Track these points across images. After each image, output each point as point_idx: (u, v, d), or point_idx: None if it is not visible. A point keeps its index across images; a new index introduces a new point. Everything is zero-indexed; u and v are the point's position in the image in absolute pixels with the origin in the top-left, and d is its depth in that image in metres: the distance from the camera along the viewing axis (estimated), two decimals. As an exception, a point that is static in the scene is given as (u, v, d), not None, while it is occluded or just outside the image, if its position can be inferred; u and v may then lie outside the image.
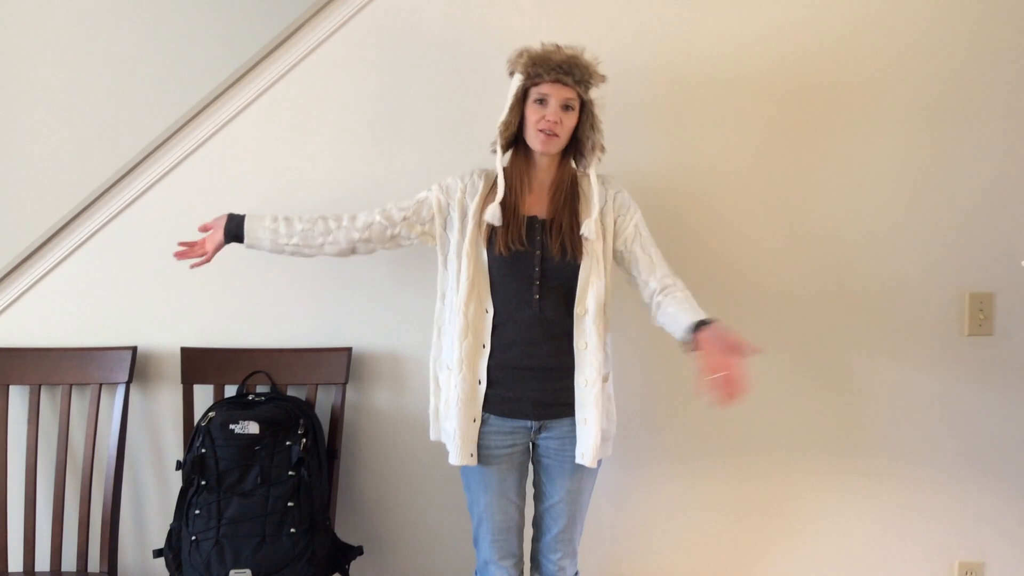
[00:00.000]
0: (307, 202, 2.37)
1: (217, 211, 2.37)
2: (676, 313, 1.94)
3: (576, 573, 2.13)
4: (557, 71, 1.89)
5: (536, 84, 1.92)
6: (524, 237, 1.95)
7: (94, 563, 2.33)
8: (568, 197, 1.99)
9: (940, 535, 2.47)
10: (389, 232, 2.05)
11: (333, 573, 2.25)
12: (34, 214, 2.54)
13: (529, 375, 1.97)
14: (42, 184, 2.95)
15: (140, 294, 2.39)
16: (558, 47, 1.92)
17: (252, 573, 2.07)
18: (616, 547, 2.48)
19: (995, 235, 2.39)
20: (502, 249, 1.94)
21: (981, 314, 2.40)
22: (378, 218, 2.04)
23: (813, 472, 2.46)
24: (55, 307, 2.39)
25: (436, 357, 2.07)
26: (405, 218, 2.03)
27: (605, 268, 1.99)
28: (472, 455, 1.97)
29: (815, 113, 2.37)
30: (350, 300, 2.40)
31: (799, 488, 2.46)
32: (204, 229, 2.13)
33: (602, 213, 2.00)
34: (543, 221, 1.97)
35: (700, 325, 1.85)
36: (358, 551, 2.28)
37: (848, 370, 2.43)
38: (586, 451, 1.97)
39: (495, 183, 1.99)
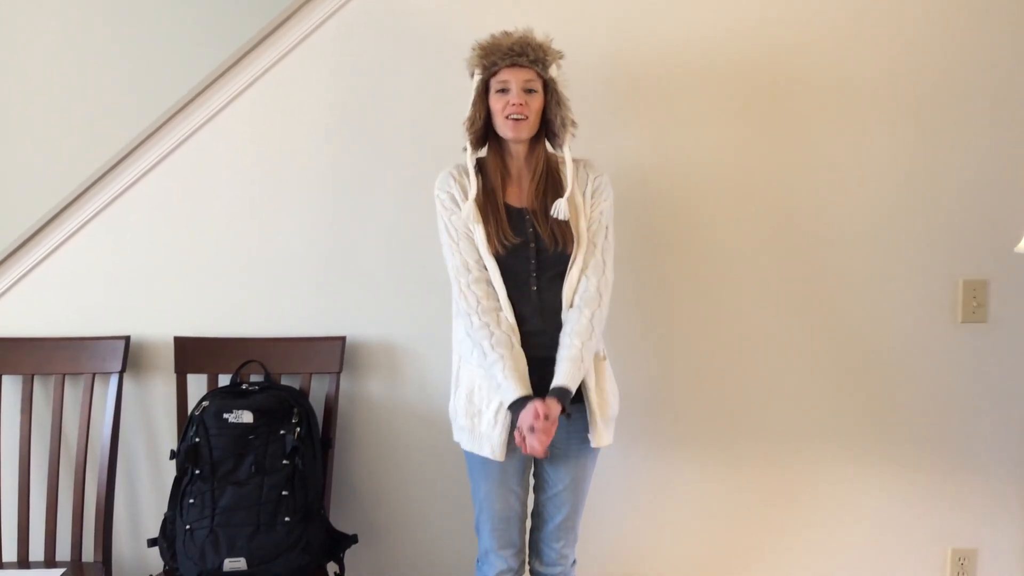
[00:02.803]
0: (296, 192, 2.37)
1: (209, 200, 2.38)
2: (564, 354, 1.90)
3: (574, 561, 2.13)
4: (511, 54, 1.90)
5: (494, 74, 1.92)
6: (510, 231, 1.93)
7: (88, 553, 2.33)
8: (548, 184, 1.97)
9: (933, 522, 2.47)
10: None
11: (328, 562, 2.25)
12: (26, 203, 2.53)
13: (530, 361, 1.96)
14: (34, 174, 2.94)
15: (133, 283, 2.39)
16: (507, 32, 1.93)
17: (246, 562, 2.07)
18: (615, 535, 2.48)
19: (989, 222, 2.39)
20: (498, 248, 1.92)
21: (975, 301, 2.40)
22: (482, 292, 1.93)
23: (807, 460, 2.46)
24: (48, 297, 2.38)
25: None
26: (477, 264, 1.94)
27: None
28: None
29: (806, 101, 2.37)
30: (344, 289, 2.40)
31: (793, 476, 2.47)
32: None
33: (584, 195, 1.99)
34: (530, 211, 1.96)
35: (557, 390, 1.88)
36: (353, 540, 2.28)
37: (841, 357, 2.43)
38: (592, 434, 1.97)
39: (478, 179, 1.97)
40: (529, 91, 1.92)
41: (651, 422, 2.44)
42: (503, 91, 1.92)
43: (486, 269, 1.93)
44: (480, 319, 1.90)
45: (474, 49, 1.94)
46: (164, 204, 2.37)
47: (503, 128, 1.93)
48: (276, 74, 2.34)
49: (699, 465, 2.46)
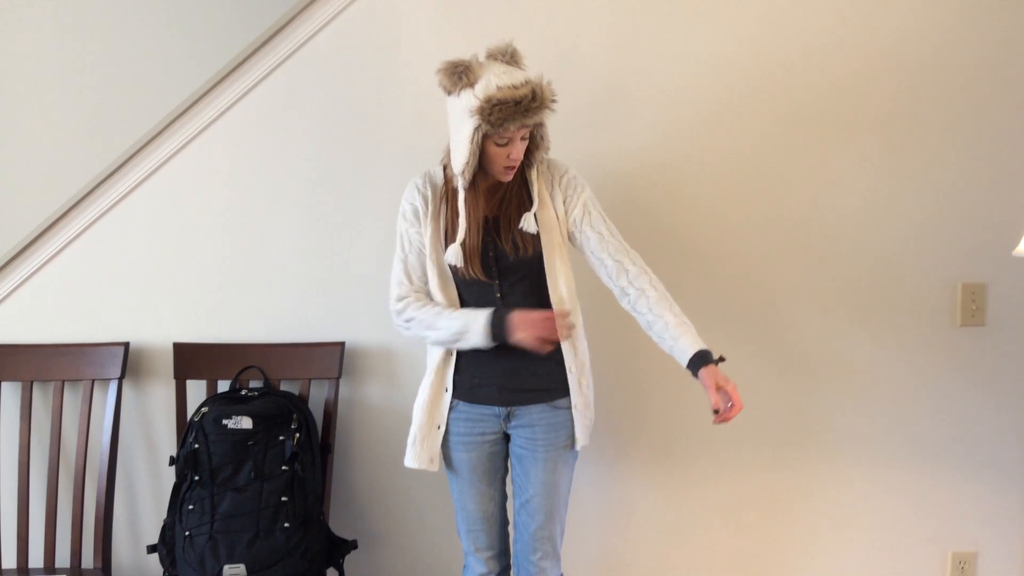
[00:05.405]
0: (294, 198, 2.38)
1: (208, 207, 2.38)
2: (672, 334, 1.93)
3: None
4: (520, 113, 1.80)
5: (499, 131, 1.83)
6: (480, 248, 1.93)
7: (88, 559, 2.32)
8: (514, 191, 1.96)
9: (933, 525, 2.47)
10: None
11: (327, 567, 2.25)
12: (26, 209, 2.53)
13: (495, 363, 1.96)
14: (33, 180, 2.94)
15: (132, 289, 2.39)
16: (513, 86, 1.80)
17: (246, 568, 2.07)
18: (602, 543, 2.48)
19: (987, 225, 2.39)
20: (464, 274, 1.93)
21: (973, 304, 2.40)
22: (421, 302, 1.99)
23: (805, 464, 2.46)
24: (47, 303, 2.38)
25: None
26: (420, 278, 2.00)
27: (568, 254, 1.99)
28: (432, 460, 1.99)
29: (802, 105, 2.37)
30: (343, 294, 2.40)
31: (790, 480, 2.47)
32: None
33: (551, 198, 1.98)
34: (493, 219, 1.95)
35: (698, 359, 1.90)
36: (352, 545, 2.28)
37: (840, 361, 2.43)
38: (578, 433, 2.01)
39: (444, 191, 1.97)
40: (523, 137, 1.88)
41: (640, 426, 2.44)
42: (503, 143, 1.85)
43: (426, 284, 1.98)
44: (415, 309, 1.95)
45: (479, 98, 1.79)
46: (163, 210, 2.37)
47: (498, 173, 1.91)
48: (272, 82, 2.34)
49: (692, 470, 2.46)
